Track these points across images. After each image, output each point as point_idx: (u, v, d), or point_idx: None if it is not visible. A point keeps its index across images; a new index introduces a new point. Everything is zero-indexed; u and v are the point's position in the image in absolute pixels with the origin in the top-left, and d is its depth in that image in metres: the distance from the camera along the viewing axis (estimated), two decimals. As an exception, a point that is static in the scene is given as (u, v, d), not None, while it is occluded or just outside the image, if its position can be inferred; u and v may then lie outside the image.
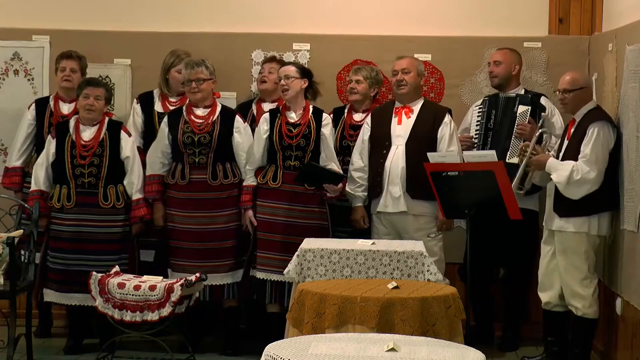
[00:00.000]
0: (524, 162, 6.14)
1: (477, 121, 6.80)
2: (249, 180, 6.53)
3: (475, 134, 6.77)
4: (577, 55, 7.14)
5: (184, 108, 6.61)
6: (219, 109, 6.59)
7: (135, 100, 6.98)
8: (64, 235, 6.41)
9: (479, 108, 6.83)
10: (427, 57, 7.13)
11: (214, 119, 6.54)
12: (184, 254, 6.52)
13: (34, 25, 7.32)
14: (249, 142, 6.56)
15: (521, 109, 6.63)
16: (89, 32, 7.23)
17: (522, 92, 6.83)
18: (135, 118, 6.87)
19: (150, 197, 6.55)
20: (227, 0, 7.37)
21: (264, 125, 6.54)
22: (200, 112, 6.57)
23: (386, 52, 7.08)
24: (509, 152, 6.55)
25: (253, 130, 6.63)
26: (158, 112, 6.84)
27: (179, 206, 6.53)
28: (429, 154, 6.18)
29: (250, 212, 6.49)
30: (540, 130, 6.22)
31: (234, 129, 6.56)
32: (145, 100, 6.91)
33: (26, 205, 6.38)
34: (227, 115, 6.59)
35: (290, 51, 7.26)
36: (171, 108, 6.80)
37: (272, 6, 7.34)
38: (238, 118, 6.60)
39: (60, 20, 7.32)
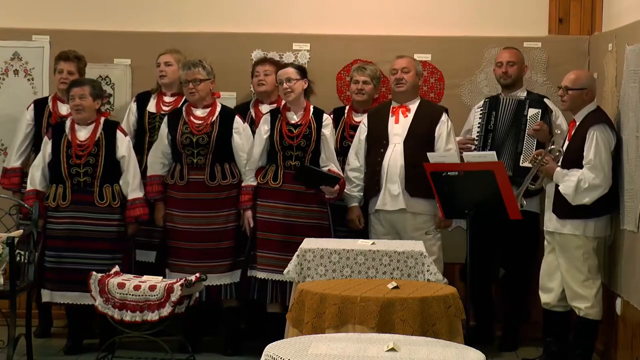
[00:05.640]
0: (535, 168, 6.13)
1: (479, 123, 6.79)
2: (249, 181, 6.53)
3: (477, 136, 6.77)
4: (577, 55, 7.14)
5: (183, 108, 6.61)
6: (218, 109, 6.58)
7: (133, 98, 6.99)
8: (59, 233, 6.40)
9: (480, 110, 6.82)
10: (427, 57, 7.13)
11: (213, 120, 6.53)
12: (182, 254, 6.51)
13: (34, 25, 7.32)
14: (248, 142, 6.55)
15: (531, 112, 6.60)
16: (89, 32, 7.23)
17: (525, 93, 6.82)
18: (129, 117, 6.88)
19: (151, 198, 6.54)
20: (227, 0, 7.37)
21: (264, 125, 6.54)
22: (199, 112, 6.57)
23: (386, 52, 7.08)
24: (522, 156, 6.54)
25: (252, 132, 6.63)
26: (149, 112, 6.84)
27: (178, 206, 6.53)
28: (428, 154, 6.18)
29: (249, 213, 6.48)
30: (554, 146, 6.19)
31: (234, 130, 6.55)
32: (142, 100, 6.91)
33: (25, 204, 6.38)
34: (227, 116, 6.57)
35: (290, 51, 7.26)
36: (165, 108, 6.80)
37: (272, 6, 7.34)
38: (238, 119, 6.59)
39: (60, 20, 7.32)
